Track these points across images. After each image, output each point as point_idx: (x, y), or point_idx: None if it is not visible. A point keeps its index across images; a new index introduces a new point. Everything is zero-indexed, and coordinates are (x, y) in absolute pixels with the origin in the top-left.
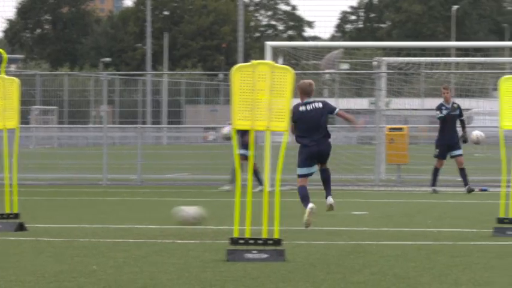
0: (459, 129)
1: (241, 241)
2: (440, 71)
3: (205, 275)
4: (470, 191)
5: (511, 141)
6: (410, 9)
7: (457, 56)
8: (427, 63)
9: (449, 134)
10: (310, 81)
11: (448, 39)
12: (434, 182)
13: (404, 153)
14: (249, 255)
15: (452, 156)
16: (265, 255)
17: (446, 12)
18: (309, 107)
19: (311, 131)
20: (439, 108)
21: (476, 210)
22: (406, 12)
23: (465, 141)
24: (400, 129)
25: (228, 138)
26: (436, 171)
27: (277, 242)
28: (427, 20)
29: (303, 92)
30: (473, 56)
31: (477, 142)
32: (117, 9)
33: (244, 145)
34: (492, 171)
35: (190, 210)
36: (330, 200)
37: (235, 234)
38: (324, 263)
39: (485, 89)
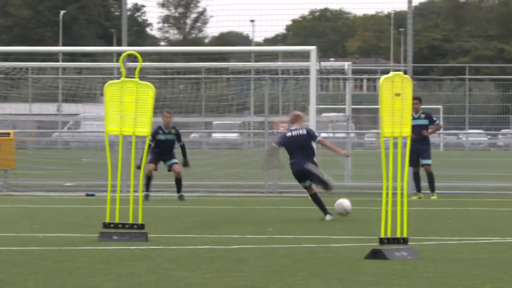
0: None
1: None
2: (47, 76)
3: None
4: None
5: (114, 146)
6: (17, 14)
7: (65, 61)
8: (35, 68)
9: None
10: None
11: (56, 44)
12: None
13: (12, 158)
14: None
15: None
16: None
17: (54, 17)
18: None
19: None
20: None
21: (83, 215)
22: (13, 17)
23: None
24: (7, 134)
25: None
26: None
27: None
28: (35, 24)
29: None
30: (81, 61)
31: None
32: None
33: None
34: (99, 175)
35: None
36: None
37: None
38: None
39: (93, 94)
